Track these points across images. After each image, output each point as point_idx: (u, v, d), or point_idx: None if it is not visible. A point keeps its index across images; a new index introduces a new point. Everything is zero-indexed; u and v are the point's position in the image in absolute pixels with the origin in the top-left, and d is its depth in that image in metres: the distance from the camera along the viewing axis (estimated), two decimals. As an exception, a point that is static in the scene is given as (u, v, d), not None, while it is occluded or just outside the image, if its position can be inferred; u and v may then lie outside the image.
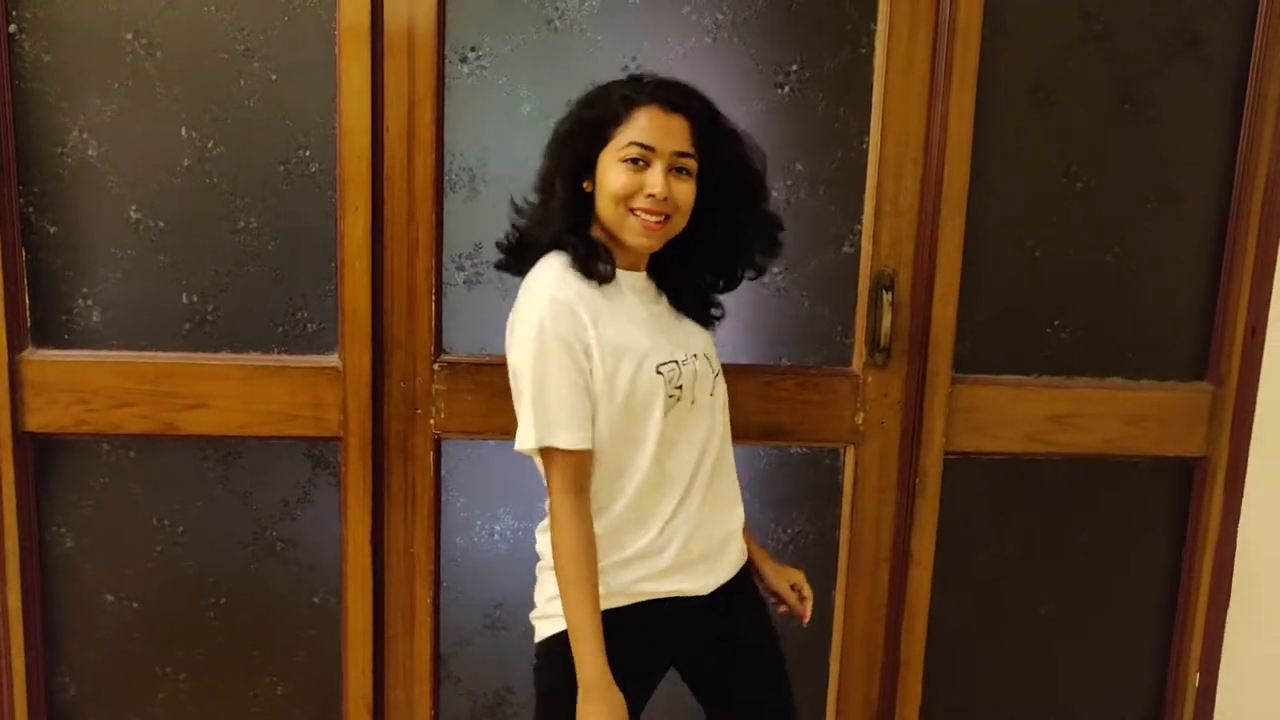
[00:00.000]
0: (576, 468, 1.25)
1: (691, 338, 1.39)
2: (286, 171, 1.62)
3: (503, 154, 1.64)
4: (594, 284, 1.28)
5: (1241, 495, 1.82)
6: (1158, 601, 1.91)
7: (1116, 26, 1.70)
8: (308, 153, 1.61)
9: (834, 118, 1.68)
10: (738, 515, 1.43)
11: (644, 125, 1.27)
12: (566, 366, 1.23)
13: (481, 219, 1.65)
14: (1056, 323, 1.79)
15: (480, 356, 1.67)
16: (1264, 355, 1.77)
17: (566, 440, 1.23)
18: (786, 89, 1.67)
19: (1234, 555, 1.82)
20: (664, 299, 1.40)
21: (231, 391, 1.64)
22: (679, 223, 1.32)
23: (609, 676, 1.23)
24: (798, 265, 1.71)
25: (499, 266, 1.41)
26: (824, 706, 1.84)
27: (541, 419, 1.23)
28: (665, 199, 1.27)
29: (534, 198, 1.37)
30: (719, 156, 1.33)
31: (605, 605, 1.27)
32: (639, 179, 1.27)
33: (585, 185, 1.31)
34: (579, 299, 1.26)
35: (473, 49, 1.62)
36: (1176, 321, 1.82)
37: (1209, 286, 1.81)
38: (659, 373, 1.29)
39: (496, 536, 1.76)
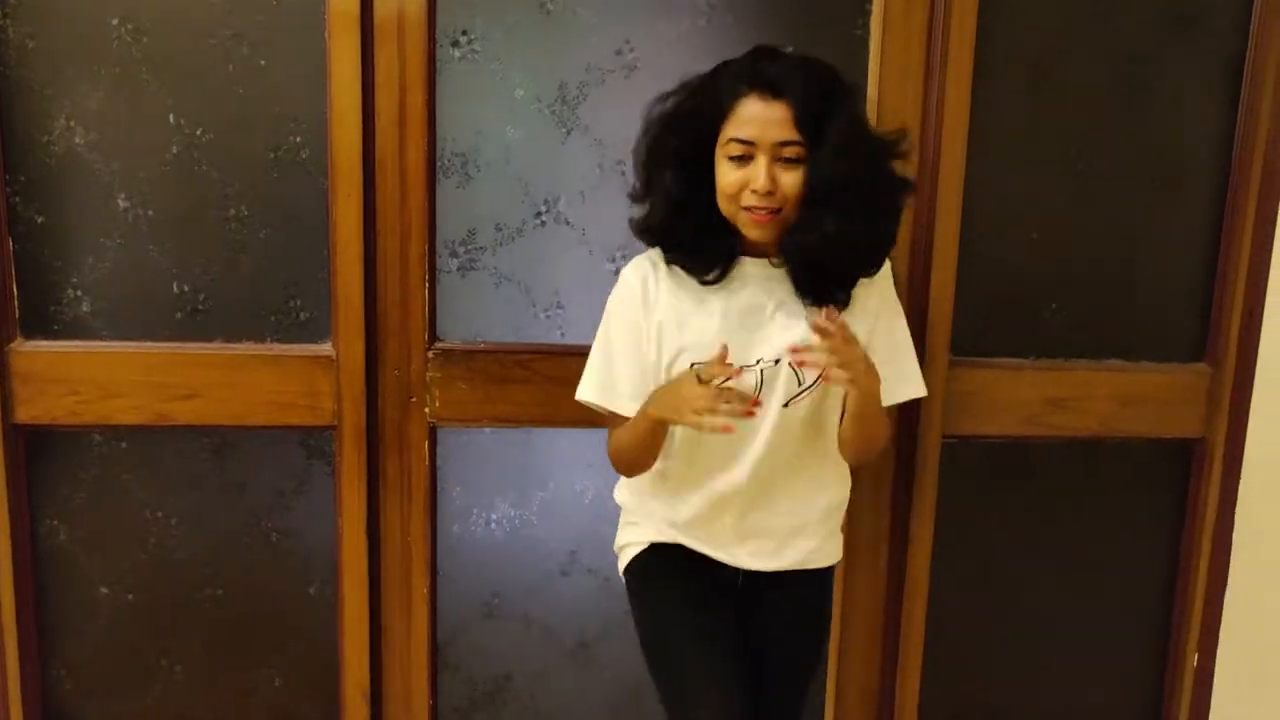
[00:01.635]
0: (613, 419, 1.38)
1: (781, 340, 1.31)
2: (277, 159, 1.60)
3: (495, 139, 1.63)
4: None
5: (1239, 476, 1.81)
6: (1156, 582, 1.91)
7: (1114, 6, 1.69)
8: (298, 139, 1.60)
9: (830, 100, 1.67)
10: (809, 513, 1.40)
11: (743, 119, 1.24)
12: (623, 335, 1.35)
13: (474, 205, 1.64)
14: (1054, 305, 1.78)
15: (475, 344, 1.66)
16: (1261, 337, 1.77)
17: (595, 397, 1.37)
18: (782, 71, 1.65)
19: (1231, 536, 1.82)
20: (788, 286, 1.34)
21: (224, 381, 1.63)
22: (791, 211, 1.27)
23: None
24: (794, 249, 1.70)
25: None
26: (824, 686, 1.84)
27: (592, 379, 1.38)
28: (770, 193, 1.24)
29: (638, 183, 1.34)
30: (828, 137, 1.24)
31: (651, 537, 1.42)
32: (743, 175, 1.25)
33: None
34: (654, 281, 1.34)
35: (464, 33, 1.60)
36: (1174, 303, 1.81)
37: (1206, 268, 1.80)
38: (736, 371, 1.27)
39: (493, 524, 1.75)
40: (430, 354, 1.65)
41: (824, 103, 1.24)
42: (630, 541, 1.47)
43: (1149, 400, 1.81)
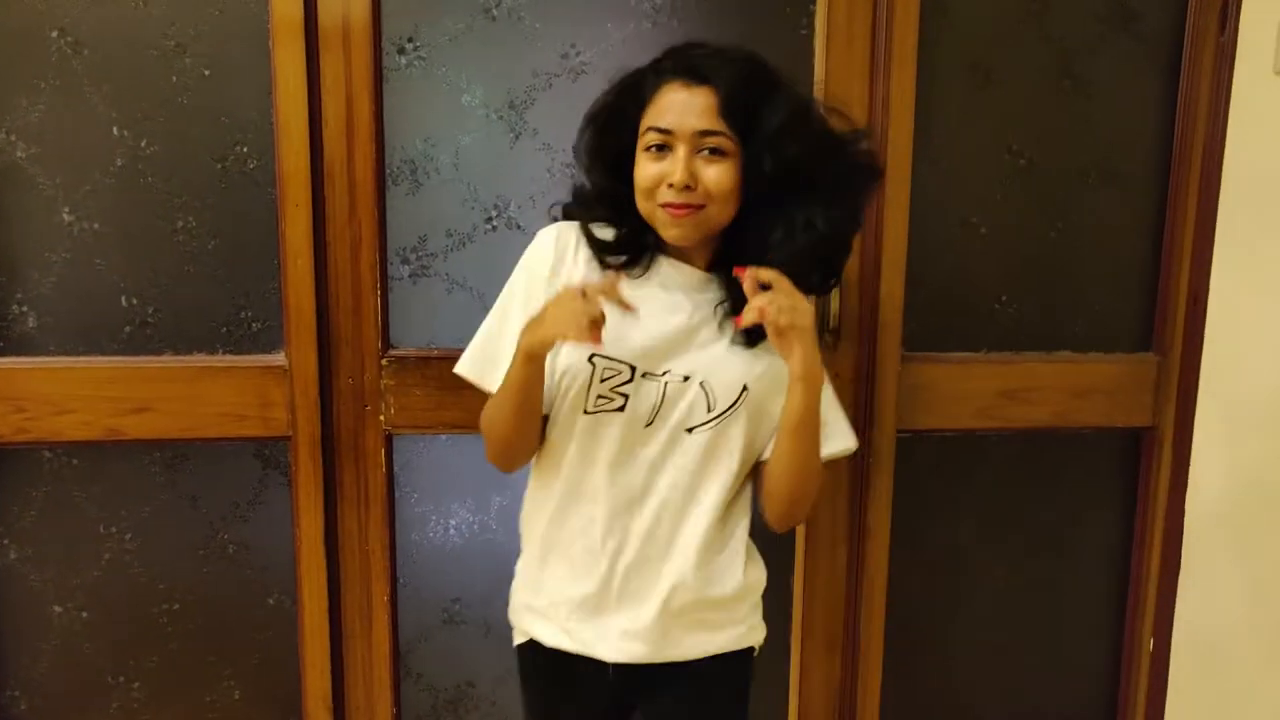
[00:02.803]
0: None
1: (714, 364, 1.19)
2: (224, 169, 1.59)
3: (444, 145, 1.63)
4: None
5: (1189, 462, 1.85)
6: (1111, 569, 1.94)
7: (1053, 3, 1.72)
8: (245, 149, 1.59)
9: (776, 100, 1.68)
10: (705, 590, 1.24)
11: (662, 108, 1.14)
12: (522, 306, 1.24)
13: (425, 211, 1.64)
14: (1004, 298, 1.80)
15: (429, 350, 1.66)
16: (1206, 325, 1.80)
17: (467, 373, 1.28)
18: (728, 72, 1.67)
19: (1183, 521, 1.85)
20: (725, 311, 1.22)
21: (176, 394, 1.61)
22: (718, 211, 1.16)
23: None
24: (745, 249, 1.71)
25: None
26: (786, 684, 1.85)
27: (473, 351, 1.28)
28: (687, 186, 1.13)
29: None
30: (762, 126, 1.13)
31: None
32: (661, 168, 1.14)
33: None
34: (573, 252, 1.23)
35: (410, 40, 1.60)
36: (1121, 293, 1.84)
37: (1151, 257, 1.83)
38: (591, 362, 1.18)
39: (452, 531, 1.75)
40: (384, 362, 1.64)
41: (753, 90, 1.14)
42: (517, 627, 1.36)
43: (1099, 390, 1.83)
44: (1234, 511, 1.75)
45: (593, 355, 1.18)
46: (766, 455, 1.26)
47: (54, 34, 1.52)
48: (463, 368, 1.29)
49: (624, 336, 1.19)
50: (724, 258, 1.22)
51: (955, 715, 1.95)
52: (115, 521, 1.67)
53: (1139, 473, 1.90)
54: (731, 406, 1.20)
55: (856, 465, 1.77)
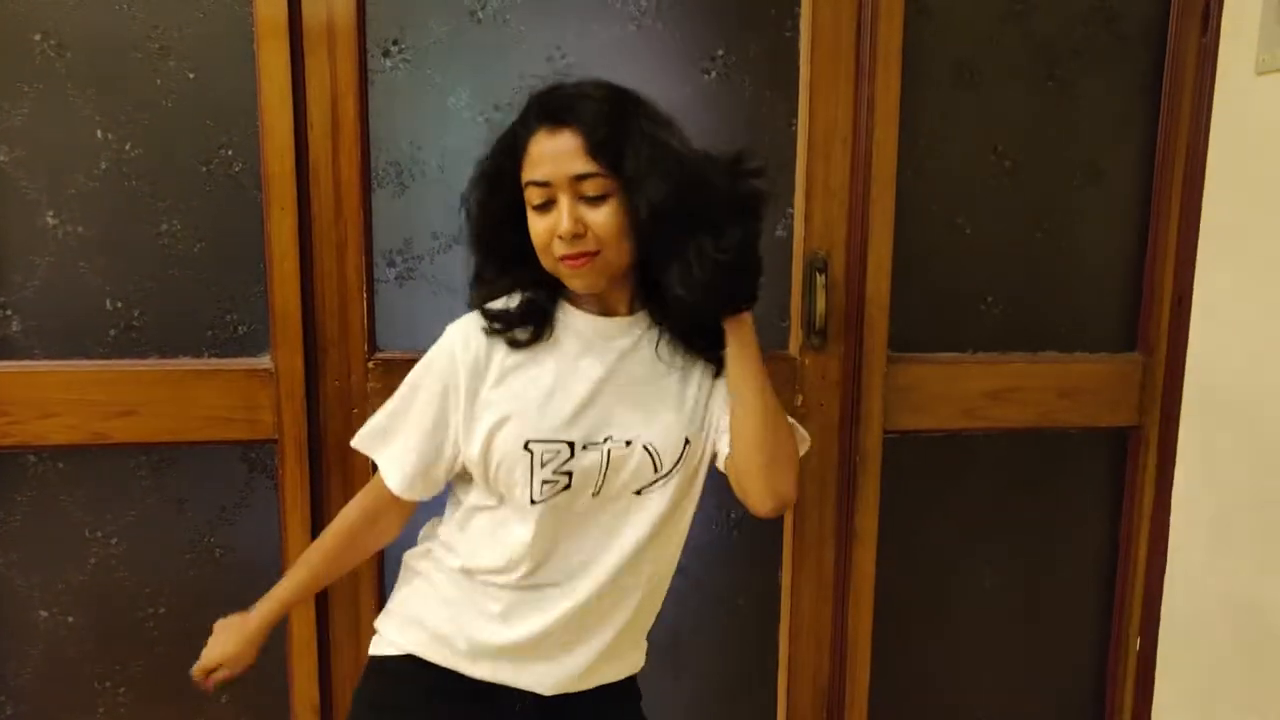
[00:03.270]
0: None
1: (651, 423, 1.17)
2: (209, 172, 1.59)
3: (430, 148, 1.63)
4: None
5: (1174, 462, 1.85)
6: (1097, 569, 1.95)
7: (1036, 5, 1.73)
8: (230, 152, 1.58)
9: (761, 101, 1.69)
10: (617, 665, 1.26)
11: (535, 159, 1.11)
12: (428, 404, 1.22)
13: (410, 214, 1.64)
14: (989, 299, 1.81)
15: (414, 353, 1.62)
16: (1190, 324, 1.81)
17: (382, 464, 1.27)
18: (713, 74, 1.67)
19: (1169, 520, 1.86)
20: (665, 357, 1.21)
21: (162, 397, 1.61)
22: (615, 254, 1.12)
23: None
24: (732, 250, 1.72)
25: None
26: (775, 686, 1.85)
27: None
28: (576, 235, 1.10)
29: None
30: (628, 160, 1.09)
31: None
32: (550, 222, 1.11)
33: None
34: (485, 345, 1.19)
35: (395, 42, 1.60)
36: (1106, 293, 1.85)
37: (1136, 258, 1.84)
38: (528, 449, 1.14)
39: (439, 534, 1.75)
40: (370, 364, 1.64)
41: (618, 125, 1.10)
42: (382, 638, 1.30)
43: (1085, 390, 1.84)
44: (1219, 510, 1.75)
45: (528, 442, 1.15)
46: (724, 450, 1.22)
47: (37, 37, 1.51)
48: (358, 441, 1.29)
49: (552, 411, 1.16)
50: (643, 293, 1.21)
51: (943, 714, 1.95)
52: (101, 525, 1.67)
53: (1124, 472, 1.91)
54: (678, 463, 1.19)
55: (844, 465, 1.78)
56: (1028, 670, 1.96)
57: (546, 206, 1.12)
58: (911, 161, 1.72)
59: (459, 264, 1.66)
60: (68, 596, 1.68)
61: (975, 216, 1.77)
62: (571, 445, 1.15)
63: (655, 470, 1.18)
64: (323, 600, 1.68)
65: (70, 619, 1.68)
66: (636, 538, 1.20)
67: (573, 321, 1.20)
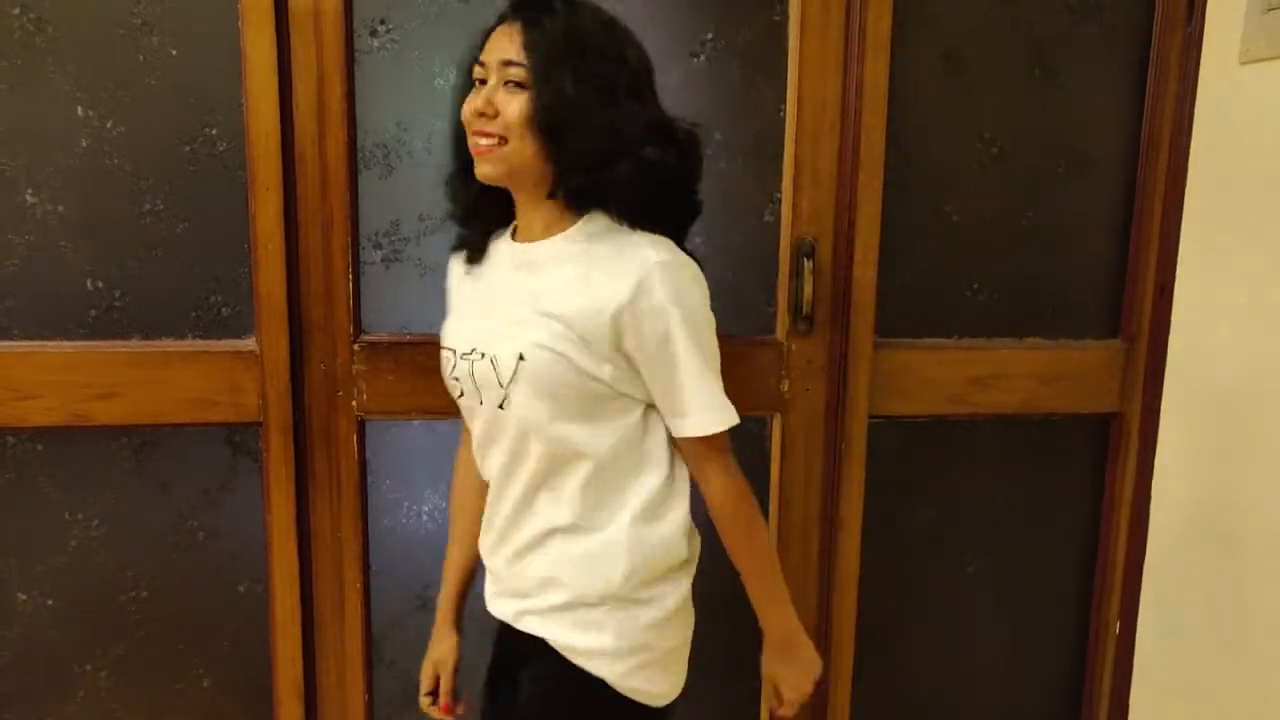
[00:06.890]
0: None
1: (509, 331, 1.16)
2: (193, 151, 1.57)
3: (417, 129, 1.61)
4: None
5: (1155, 449, 1.87)
6: (1079, 555, 1.97)
7: (1024, -8, 1.73)
8: (214, 131, 1.57)
9: (751, 86, 1.68)
10: (558, 563, 1.21)
11: (487, 44, 1.15)
12: None
13: (397, 196, 1.62)
14: (975, 285, 1.82)
15: (401, 335, 1.65)
16: (1173, 312, 1.83)
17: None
18: (702, 58, 1.66)
19: (1149, 507, 1.88)
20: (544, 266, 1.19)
21: (144, 379, 1.59)
22: (516, 146, 1.12)
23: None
24: (719, 235, 1.71)
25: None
26: (759, 674, 1.86)
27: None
28: (483, 114, 1.11)
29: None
30: (541, 64, 1.10)
31: None
32: (472, 101, 1.14)
33: None
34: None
35: (382, 22, 1.58)
36: (1090, 281, 1.86)
37: (1119, 247, 1.85)
38: (441, 353, 1.26)
39: (424, 517, 1.74)
40: (356, 347, 1.63)
41: (562, 29, 1.11)
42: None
43: (1068, 377, 1.85)
44: (1199, 497, 1.77)
45: (442, 347, 1.27)
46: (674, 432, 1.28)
47: (15, 11, 1.49)
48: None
49: (452, 322, 1.29)
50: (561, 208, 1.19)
51: (925, 698, 1.97)
52: (82, 508, 1.65)
53: (1106, 458, 1.92)
54: (512, 379, 1.14)
55: (829, 451, 1.78)
56: (1009, 654, 1.98)
57: (480, 87, 1.15)
58: (899, 148, 1.72)
59: (446, 246, 1.63)
60: (47, 579, 1.66)
61: (962, 203, 1.78)
62: (454, 353, 1.23)
63: (499, 384, 1.16)
64: (306, 577, 1.68)
65: (50, 602, 1.67)
66: (506, 454, 1.21)
67: (501, 247, 1.27)
